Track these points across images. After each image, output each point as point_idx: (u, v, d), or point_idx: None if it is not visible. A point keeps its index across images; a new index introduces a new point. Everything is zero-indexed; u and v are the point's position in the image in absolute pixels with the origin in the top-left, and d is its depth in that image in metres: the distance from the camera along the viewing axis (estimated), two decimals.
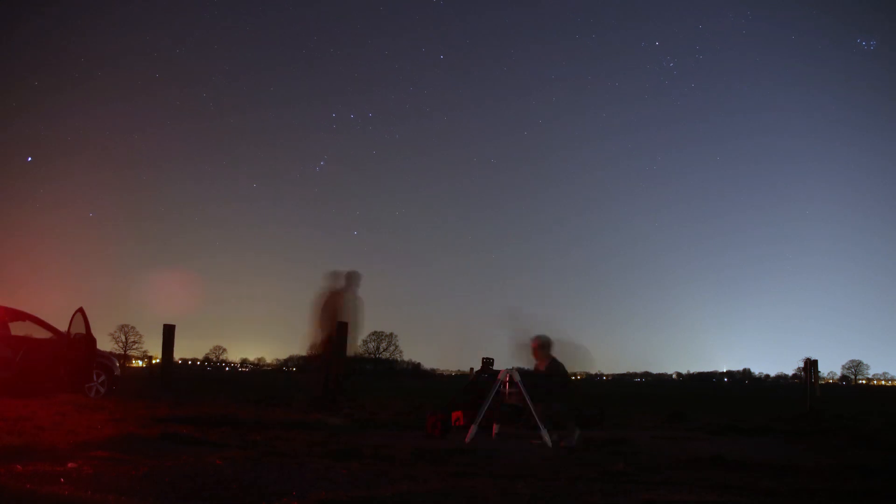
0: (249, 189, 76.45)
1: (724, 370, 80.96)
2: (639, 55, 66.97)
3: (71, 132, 66.20)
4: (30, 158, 57.83)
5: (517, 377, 6.02)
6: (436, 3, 61.80)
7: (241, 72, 69.74)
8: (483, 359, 7.25)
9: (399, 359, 68.36)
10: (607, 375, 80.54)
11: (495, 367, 7.08)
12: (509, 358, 6.47)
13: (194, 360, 75.07)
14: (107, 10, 59.18)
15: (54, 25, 57.97)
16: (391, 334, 65.37)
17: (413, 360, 70.81)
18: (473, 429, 5.91)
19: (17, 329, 8.94)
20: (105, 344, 56.78)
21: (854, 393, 33.37)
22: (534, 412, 5.88)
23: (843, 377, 76.50)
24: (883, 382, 74.89)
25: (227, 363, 77.18)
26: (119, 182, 70.87)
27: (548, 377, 6.18)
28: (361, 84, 72.11)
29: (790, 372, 70.23)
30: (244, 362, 78.94)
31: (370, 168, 79.40)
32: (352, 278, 8.86)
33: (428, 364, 70.68)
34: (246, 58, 68.31)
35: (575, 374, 6.27)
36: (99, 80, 62.24)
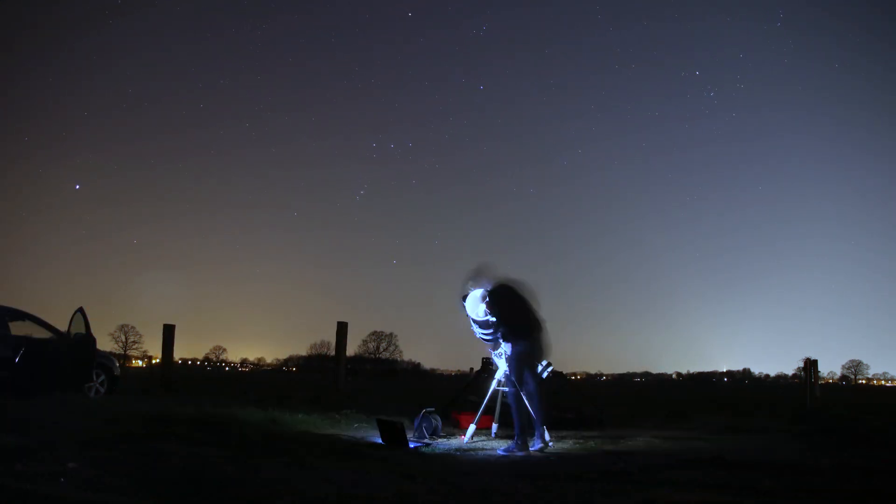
0: (290, 217, 76.72)
1: (724, 370, 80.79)
2: (679, 84, 66.20)
3: (117, 161, 67.26)
4: (78, 186, 59.41)
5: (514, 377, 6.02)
6: (475, 34, 61.68)
7: (282, 102, 70.11)
8: (483, 359, 7.24)
9: (399, 359, 68.28)
10: (607, 375, 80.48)
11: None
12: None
13: (194, 360, 74.96)
14: (152, 44, 59.93)
15: (102, 59, 58.84)
16: (391, 334, 65.29)
17: (413, 360, 70.74)
18: (472, 428, 5.91)
19: (17, 329, 8.93)
20: (105, 344, 56.71)
21: (854, 393, 33.35)
22: (532, 412, 5.88)
23: (843, 377, 76.29)
24: (883, 382, 74.66)
25: (227, 363, 77.06)
26: (159, 206, 71.49)
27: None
28: (401, 114, 71.98)
29: (790, 372, 70.00)
30: (244, 362, 78.84)
31: (410, 197, 79.19)
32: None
33: (428, 364, 70.67)
34: (288, 89, 68.55)
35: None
36: (145, 111, 63.01)
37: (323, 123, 71.90)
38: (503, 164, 73.75)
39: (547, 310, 6.08)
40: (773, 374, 77.76)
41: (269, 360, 78.73)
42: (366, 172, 77.81)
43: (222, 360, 76.39)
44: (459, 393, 7.91)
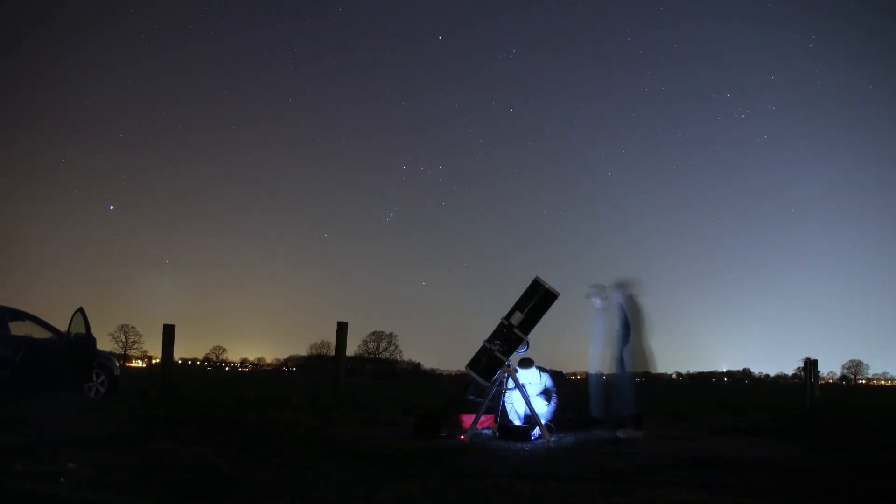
0: (320, 238, 76.86)
1: (724, 370, 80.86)
2: (710, 107, 65.73)
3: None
4: (112, 207, 60.95)
5: (515, 376, 6.02)
6: (505, 56, 61.90)
7: (313, 124, 70.56)
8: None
9: (399, 359, 68.30)
10: (607, 376, 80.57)
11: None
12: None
13: (194, 360, 75.01)
14: (181, 66, 60.55)
15: (135, 84, 59.55)
16: (391, 334, 65.34)
17: (413, 360, 70.74)
18: (473, 428, 5.91)
19: (17, 329, 8.93)
20: (105, 344, 56.91)
21: (854, 393, 33.36)
22: (533, 412, 5.88)
23: (843, 377, 76.35)
24: (883, 382, 74.72)
25: (227, 363, 77.09)
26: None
27: None
28: (431, 136, 72.14)
29: (790, 372, 70.13)
30: (244, 362, 78.87)
31: (439, 220, 79.12)
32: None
33: (428, 364, 70.72)
34: (318, 111, 69.22)
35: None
36: (178, 132, 63.72)
37: (353, 145, 72.05)
38: (532, 185, 73.76)
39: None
40: (773, 374, 77.89)
41: (269, 360, 78.78)
42: (396, 195, 77.89)
43: (222, 360, 76.46)
44: (460, 393, 7.90)
